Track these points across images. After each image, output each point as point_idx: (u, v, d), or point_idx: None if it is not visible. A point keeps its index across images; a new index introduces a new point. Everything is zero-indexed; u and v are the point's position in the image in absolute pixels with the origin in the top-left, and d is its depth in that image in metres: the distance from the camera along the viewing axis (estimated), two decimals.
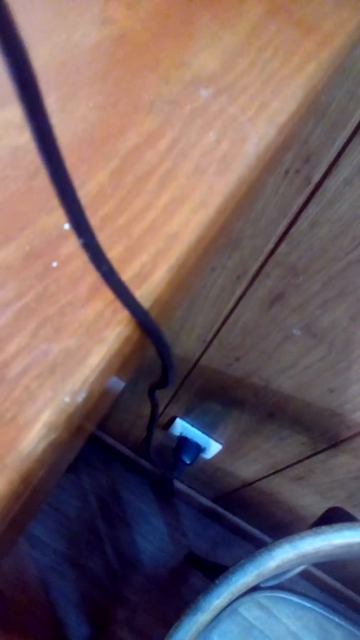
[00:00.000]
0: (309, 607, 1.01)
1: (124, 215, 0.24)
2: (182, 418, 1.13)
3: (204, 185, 0.26)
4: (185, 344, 0.92)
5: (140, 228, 0.24)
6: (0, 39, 0.13)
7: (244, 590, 0.71)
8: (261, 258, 0.70)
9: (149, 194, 0.25)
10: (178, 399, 1.08)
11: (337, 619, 0.99)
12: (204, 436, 1.13)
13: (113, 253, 0.23)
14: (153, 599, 1.33)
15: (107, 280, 0.21)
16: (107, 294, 0.22)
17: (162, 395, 1.11)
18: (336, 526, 0.71)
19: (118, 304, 0.22)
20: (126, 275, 0.23)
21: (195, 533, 1.44)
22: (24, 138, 0.25)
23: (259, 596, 1.02)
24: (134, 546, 1.38)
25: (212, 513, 1.45)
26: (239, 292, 0.76)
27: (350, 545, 0.69)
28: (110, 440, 1.44)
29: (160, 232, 0.24)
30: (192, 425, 1.13)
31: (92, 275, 0.22)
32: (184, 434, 1.16)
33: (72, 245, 0.23)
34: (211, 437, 1.13)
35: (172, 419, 1.16)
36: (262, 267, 0.71)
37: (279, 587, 1.01)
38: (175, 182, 0.26)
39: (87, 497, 1.42)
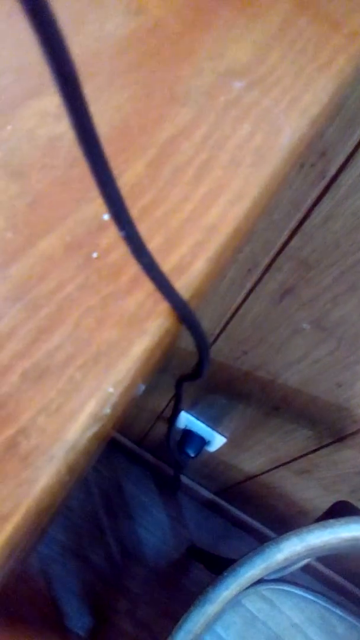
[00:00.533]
0: (312, 600, 1.02)
1: (162, 207, 0.24)
2: (187, 411, 1.14)
3: (240, 177, 0.26)
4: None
5: (178, 219, 0.24)
6: (38, 29, 0.13)
7: (252, 582, 0.71)
8: (273, 251, 0.70)
9: (186, 186, 0.25)
10: (183, 392, 1.08)
11: (339, 612, 1.00)
12: (209, 429, 1.13)
13: (152, 245, 0.23)
14: (154, 591, 1.34)
15: (148, 272, 0.21)
16: (148, 285, 0.22)
17: (168, 388, 1.11)
18: (343, 520, 0.71)
19: (158, 296, 0.22)
20: (166, 266, 0.23)
21: (197, 525, 1.45)
22: (61, 127, 0.25)
23: (262, 588, 1.02)
24: (136, 538, 1.39)
25: (215, 506, 1.45)
26: (249, 285, 0.76)
27: (357, 539, 0.69)
28: (113, 432, 1.44)
29: (198, 224, 0.24)
30: (197, 419, 1.13)
31: (132, 266, 0.22)
32: (188, 427, 1.16)
33: (112, 235, 0.23)
34: (216, 430, 1.13)
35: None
36: (273, 260, 0.71)
37: (282, 580, 1.02)
38: (212, 174, 0.26)
39: (89, 489, 1.42)
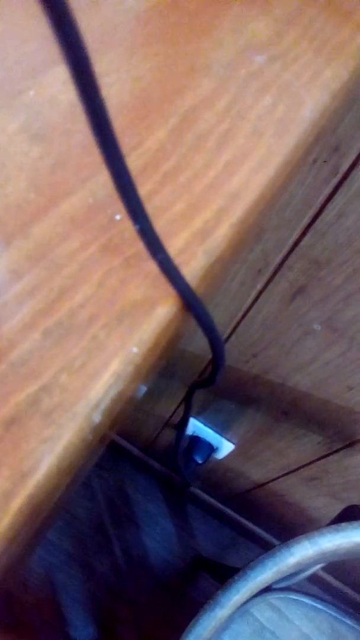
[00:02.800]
0: (321, 609, 1.00)
1: (185, 173, 0.24)
2: (195, 417, 1.13)
3: (263, 146, 0.25)
4: (201, 340, 0.92)
5: (201, 185, 0.24)
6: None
7: (263, 587, 0.70)
8: (284, 250, 0.69)
9: (209, 153, 0.25)
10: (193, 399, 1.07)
11: (349, 622, 0.98)
12: (217, 436, 1.12)
13: (175, 209, 0.23)
14: (160, 601, 1.32)
15: (163, 269, 0.20)
16: (172, 247, 0.22)
17: (175, 393, 1.10)
18: (356, 523, 0.70)
19: (183, 257, 0.22)
20: (189, 231, 0.22)
21: (203, 535, 1.43)
22: None
23: (271, 597, 1.00)
24: (142, 547, 1.37)
25: (221, 515, 1.44)
26: (259, 286, 0.76)
27: None
28: (119, 440, 1.43)
29: (221, 190, 0.24)
30: (205, 425, 1.12)
31: (156, 228, 0.22)
32: (196, 433, 1.15)
33: None
34: (224, 437, 1.12)
35: None
36: (284, 259, 0.70)
37: (291, 589, 1.00)
38: (234, 143, 0.25)
39: (95, 496, 1.41)
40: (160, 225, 0.22)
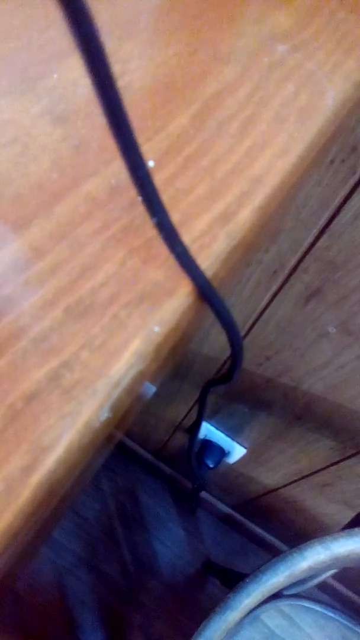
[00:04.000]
0: (332, 617, 0.99)
1: (207, 157, 0.24)
2: (207, 420, 1.12)
3: (285, 133, 0.25)
4: (214, 342, 0.92)
5: (223, 170, 0.23)
6: None
7: (274, 591, 0.69)
8: (300, 252, 0.69)
9: (231, 138, 0.24)
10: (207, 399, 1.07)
11: None
12: (229, 439, 1.12)
13: (198, 192, 0.23)
14: (169, 606, 1.31)
15: (181, 262, 0.20)
16: (194, 229, 0.22)
17: (187, 397, 1.10)
18: None
19: (205, 240, 0.21)
20: (210, 214, 0.22)
21: (213, 540, 1.42)
22: None
23: (281, 604, 0.99)
24: (152, 552, 1.37)
25: (232, 521, 1.43)
26: (274, 287, 0.75)
27: None
28: (130, 443, 1.43)
29: (243, 175, 0.24)
30: (217, 428, 1.12)
31: (177, 212, 0.22)
32: (208, 437, 1.15)
33: (157, 181, 0.22)
34: (236, 441, 1.12)
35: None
36: (300, 261, 0.70)
37: (302, 596, 0.99)
38: (257, 128, 0.25)
39: (105, 500, 1.40)
40: (182, 207, 0.22)
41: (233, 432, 1.11)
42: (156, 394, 1.15)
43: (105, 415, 0.18)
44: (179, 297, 0.20)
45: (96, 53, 0.14)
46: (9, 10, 0.26)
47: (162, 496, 1.44)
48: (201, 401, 0.75)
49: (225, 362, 0.94)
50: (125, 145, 0.17)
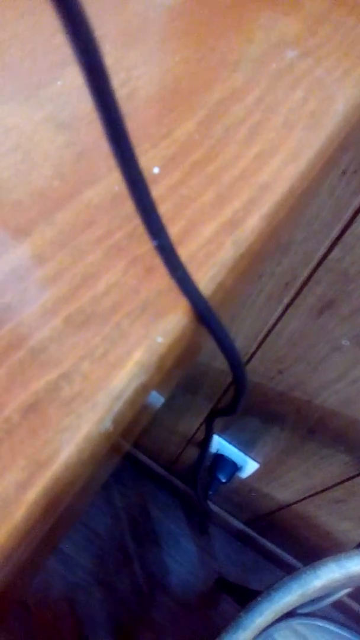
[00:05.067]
0: (347, 637, 0.96)
1: (214, 163, 0.23)
2: (219, 434, 1.11)
3: (294, 139, 0.25)
4: None
5: (230, 176, 0.23)
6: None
7: (287, 610, 0.68)
8: (312, 264, 0.68)
9: (239, 145, 0.24)
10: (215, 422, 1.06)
11: None
12: (241, 454, 1.10)
13: (204, 199, 0.22)
14: (180, 623, 1.29)
15: (182, 288, 0.19)
16: (200, 236, 0.21)
17: (199, 410, 1.08)
18: None
19: (211, 247, 0.21)
20: (217, 221, 0.22)
21: (226, 557, 1.40)
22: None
23: (295, 622, 0.97)
24: (163, 567, 1.35)
25: (244, 537, 1.41)
26: (286, 300, 0.75)
27: None
28: (142, 457, 1.42)
29: (251, 181, 0.23)
30: (229, 442, 1.11)
31: (182, 219, 0.21)
32: (220, 451, 1.13)
33: (162, 188, 0.22)
34: (248, 455, 1.10)
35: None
36: (312, 273, 0.69)
37: (315, 615, 0.97)
38: (265, 135, 0.25)
39: (117, 514, 1.39)
40: (187, 214, 0.21)
41: (245, 447, 1.10)
42: (167, 407, 1.14)
43: (106, 428, 0.18)
44: (184, 307, 0.20)
45: (94, 69, 0.13)
46: (14, 18, 0.26)
47: (174, 511, 1.43)
48: (207, 427, 0.73)
49: None
50: (130, 181, 0.16)
